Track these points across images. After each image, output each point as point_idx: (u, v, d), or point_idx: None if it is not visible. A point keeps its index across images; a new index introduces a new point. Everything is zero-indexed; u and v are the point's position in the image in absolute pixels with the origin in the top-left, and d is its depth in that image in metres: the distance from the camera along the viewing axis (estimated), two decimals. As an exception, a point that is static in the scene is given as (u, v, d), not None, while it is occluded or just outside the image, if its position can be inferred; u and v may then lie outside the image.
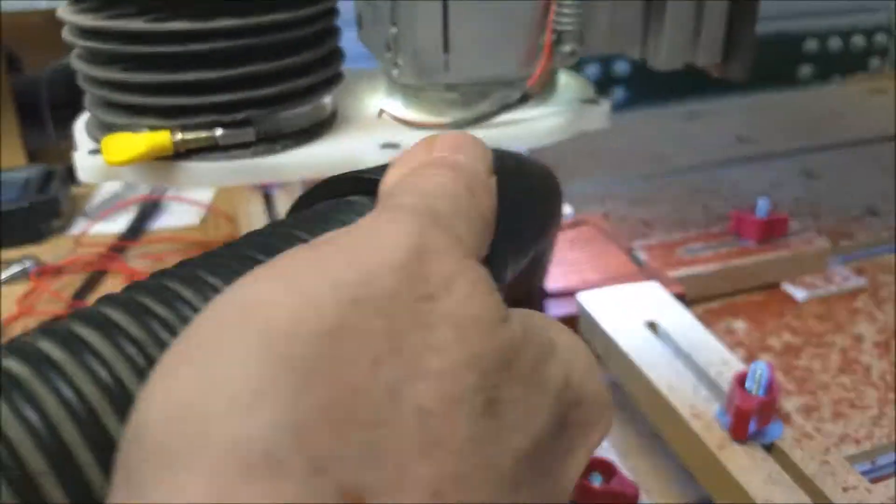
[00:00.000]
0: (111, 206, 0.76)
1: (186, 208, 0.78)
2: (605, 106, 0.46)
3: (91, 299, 0.62)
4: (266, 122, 0.40)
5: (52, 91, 0.82)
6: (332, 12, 0.43)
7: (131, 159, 0.37)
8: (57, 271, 0.66)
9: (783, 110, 1.00)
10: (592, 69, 1.09)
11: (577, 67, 0.47)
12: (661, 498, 0.42)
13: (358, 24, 0.48)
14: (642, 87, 1.12)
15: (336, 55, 0.44)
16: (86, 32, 0.39)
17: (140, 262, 0.68)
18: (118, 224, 0.74)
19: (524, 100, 0.42)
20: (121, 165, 0.37)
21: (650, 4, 0.43)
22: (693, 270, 0.57)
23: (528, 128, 0.44)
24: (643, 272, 0.54)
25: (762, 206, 0.59)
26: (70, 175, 0.80)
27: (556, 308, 0.50)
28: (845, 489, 0.36)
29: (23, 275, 0.65)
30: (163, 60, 0.38)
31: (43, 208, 0.72)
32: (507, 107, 0.43)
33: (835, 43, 1.17)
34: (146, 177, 0.39)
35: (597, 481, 0.36)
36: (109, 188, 0.82)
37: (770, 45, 1.16)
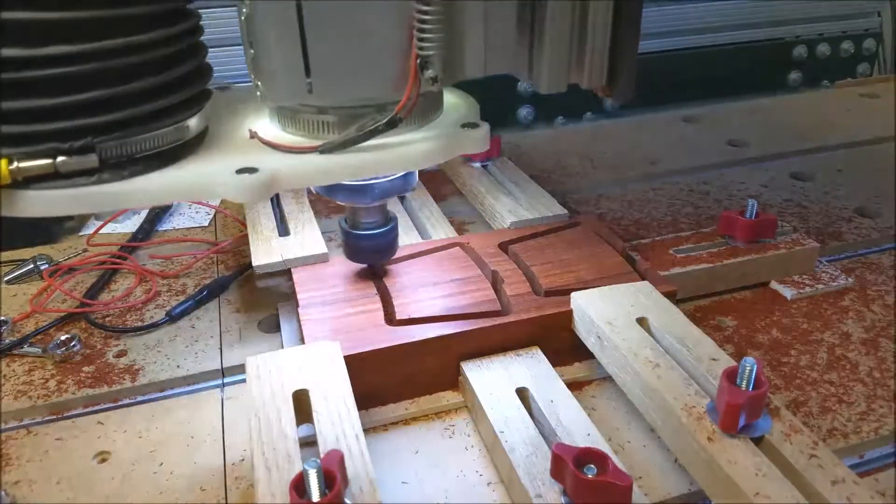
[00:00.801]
0: (122, 208, 0.77)
1: (196, 209, 0.79)
2: (483, 130, 0.45)
3: (102, 298, 0.63)
4: (113, 148, 0.38)
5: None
6: (188, 34, 0.40)
7: None
8: (69, 270, 0.67)
9: (774, 115, 1.01)
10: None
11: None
12: (655, 489, 0.43)
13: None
14: (636, 93, 1.13)
15: (196, 76, 0.41)
16: None
17: (151, 262, 0.69)
18: (129, 225, 0.75)
19: (392, 125, 0.40)
20: None
21: (527, 27, 0.41)
22: (685, 270, 0.58)
23: (401, 152, 0.42)
24: (636, 271, 0.55)
25: (752, 207, 0.60)
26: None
27: (552, 306, 0.51)
28: (834, 482, 0.37)
29: (36, 273, 0.66)
30: None
31: None
32: (373, 132, 0.41)
33: (823, 49, 1.19)
34: None
35: (591, 472, 0.37)
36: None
37: (759, 52, 1.17)
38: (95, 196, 0.38)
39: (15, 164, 0.36)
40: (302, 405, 0.43)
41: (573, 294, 0.51)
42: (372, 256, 0.54)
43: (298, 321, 0.51)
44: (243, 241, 0.70)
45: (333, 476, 0.35)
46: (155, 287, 0.64)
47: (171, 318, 0.59)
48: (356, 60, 0.40)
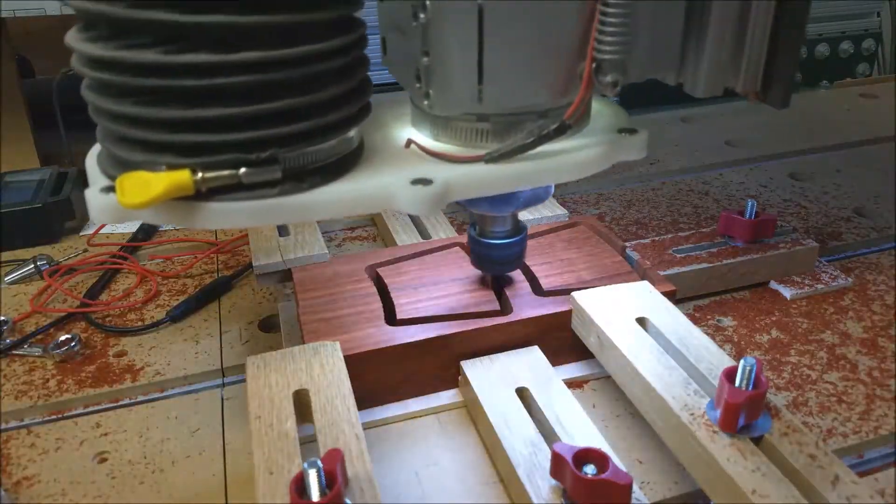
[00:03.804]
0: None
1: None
2: (643, 136, 0.44)
3: (103, 298, 0.63)
4: (292, 159, 0.37)
5: (63, 95, 0.82)
6: (362, 41, 0.40)
7: (149, 201, 0.34)
8: (70, 270, 0.67)
9: (774, 115, 1.01)
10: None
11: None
12: (654, 488, 0.43)
13: (382, 48, 0.46)
14: (634, 92, 1.14)
15: (365, 86, 0.42)
16: (95, 63, 0.35)
17: (151, 262, 0.69)
18: (129, 225, 0.75)
19: (561, 131, 0.40)
20: (137, 209, 0.35)
21: (690, 28, 0.39)
22: (684, 269, 0.58)
23: (564, 160, 0.41)
24: (636, 271, 0.55)
25: (751, 207, 0.60)
26: (82, 177, 0.81)
27: (552, 306, 0.51)
28: (833, 482, 0.37)
29: (36, 273, 0.66)
30: (180, 95, 0.35)
31: (56, 209, 0.73)
32: (543, 138, 0.40)
33: (822, 49, 1.19)
34: (165, 218, 0.37)
35: (590, 471, 0.37)
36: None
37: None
38: (278, 208, 0.37)
39: (199, 174, 0.35)
40: (302, 405, 0.43)
41: (573, 294, 0.51)
42: (501, 266, 0.52)
43: (298, 321, 0.51)
44: (243, 241, 0.70)
45: (333, 476, 0.35)
46: (155, 287, 0.64)
47: (172, 318, 0.59)
48: (528, 66, 0.39)
